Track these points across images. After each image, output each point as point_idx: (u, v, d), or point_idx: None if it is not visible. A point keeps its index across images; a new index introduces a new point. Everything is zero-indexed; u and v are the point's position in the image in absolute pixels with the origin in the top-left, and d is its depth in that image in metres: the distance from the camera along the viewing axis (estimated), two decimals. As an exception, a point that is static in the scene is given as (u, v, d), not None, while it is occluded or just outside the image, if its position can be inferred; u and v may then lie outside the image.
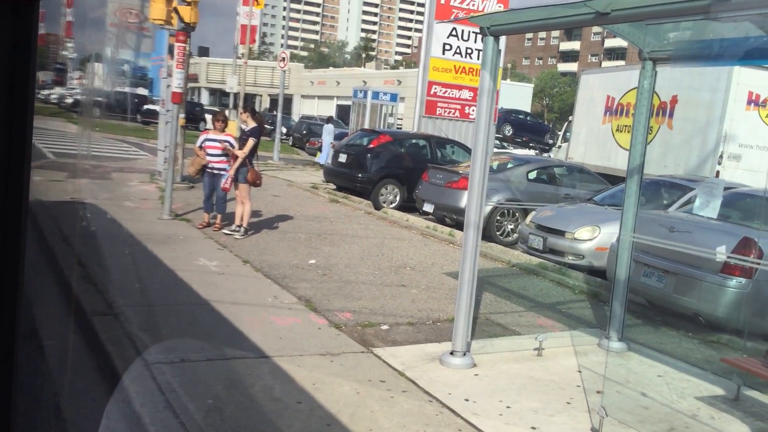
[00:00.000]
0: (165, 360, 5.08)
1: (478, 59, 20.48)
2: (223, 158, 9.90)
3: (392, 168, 13.56)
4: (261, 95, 67.51)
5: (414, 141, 14.61)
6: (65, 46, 64.13)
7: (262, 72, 66.76)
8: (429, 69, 19.77)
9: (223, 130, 10.02)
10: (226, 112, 11.72)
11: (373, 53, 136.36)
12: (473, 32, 20.28)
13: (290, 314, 6.54)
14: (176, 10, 12.52)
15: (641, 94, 6.03)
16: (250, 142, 9.56)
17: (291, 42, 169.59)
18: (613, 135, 18.42)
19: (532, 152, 32.98)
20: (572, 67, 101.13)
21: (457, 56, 20.14)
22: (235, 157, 9.67)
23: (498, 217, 11.39)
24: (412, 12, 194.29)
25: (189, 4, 12.09)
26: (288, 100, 64.22)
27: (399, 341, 6.09)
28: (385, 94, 19.15)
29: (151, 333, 5.68)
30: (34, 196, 11.61)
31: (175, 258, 8.18)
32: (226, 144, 9.86)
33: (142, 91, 42.90)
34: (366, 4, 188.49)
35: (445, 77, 20.04)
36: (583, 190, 11.78)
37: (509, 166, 12.04)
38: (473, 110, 20.71)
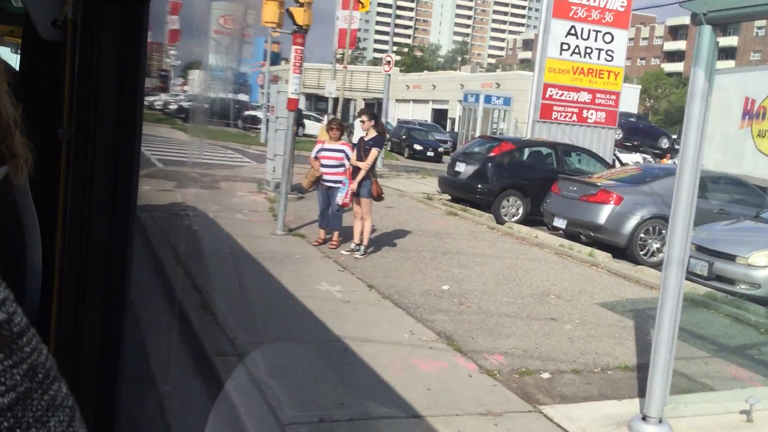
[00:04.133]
0: (301, 419, 4.26)
1: (598, 59, 19.10)
2: (340, 170, 9.13)
3: (515, 178, 12.47)
4: (355, 99, 67.43)
5: (537, 149, 13.46)
6: (168, 54, 66.21)
7: (357, 76, 66.56)
8: (545, 70, 18.52)
9: (338, 139, 9.25)
10: (339, 117, 10.89)
11: (467, 56, 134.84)
12: (594, 30, 18.92)
13: (433, 356, 5.62)
14: (289, 12, 11.91)
15: None
16: (374, 152, 8.74)
17: (383, 46, 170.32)
18: (754, 141, 16.64)
19: (644, 157, 31.08)
20: (678, 67, 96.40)
21: (576, 56, 18.79)
22: (352, 170, 8.88)
23: (642, 235, 10.13)
24: (506, 14, 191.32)
25: (302, 5, 11.46)
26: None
27: (568, 396, 5.07)
28: (497, 98, 18.03)
29: (281, 380, 4.89)
30: (143, 208, 11.23)
31: (296, 281, 7.44)
32: (343, 155, 9.09)
33: (243, 96, 43.47)
34: (459, 7, 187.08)
35: (562, 79, 18.73)
36: (739, 204, 10.37)
37: (654, 176, 10.74)
38: (591, 114, 19.34)
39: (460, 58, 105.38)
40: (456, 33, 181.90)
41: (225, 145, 28.09)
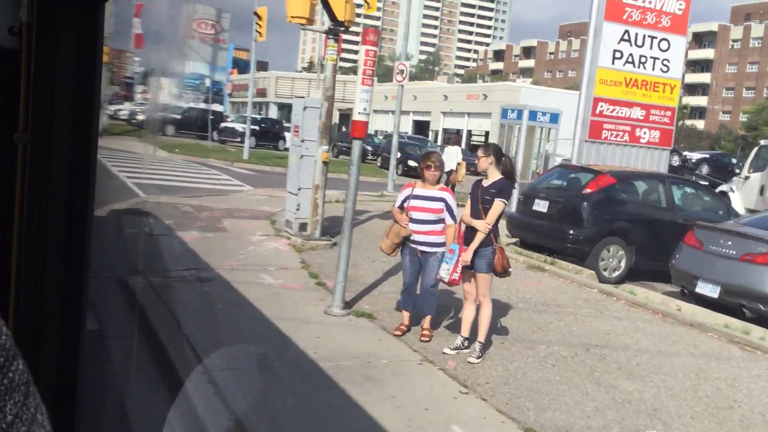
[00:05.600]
0: None
1: (653, 69, 16.49)
2: (437, 227, 6.24)
3: (617, 222, 9.63)
4: (330, 110, 63.94)
5: (640, 182, 10.59)
6: (133, 60, 62.21)
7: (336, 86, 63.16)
8: (595, 82, 15.84)
9: (437, 182, 6.34)
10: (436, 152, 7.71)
11: (439, 67, 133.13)
12: (649, 36, 16.35)
13: None
14: (326, 5, 9.00)
15: None
16: (498, 206, 5.84)
17: (352, 56, 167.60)
18: None
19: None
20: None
21: (629, 66, 16.15)
22: (464, 231, 6.00)
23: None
24: (471, 24, 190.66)
25: (346, -6, 8.62)
26: (359, 115, 60.96)
27: None
28: (543, 114, 15.27)
29: None
30: (135, 269, 8.18)
31: (410, 424, 4.51)
32: (442, 206, 6.19)
33: (218, 107, 40.11)
34: (426, 17, 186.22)
35: (613, 92, 16.08)
36: None
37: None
38: (644, 133, 16.68)
39: (437, 69, 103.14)
40: (423, 43, 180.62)
41: (203, 161, 24.94)
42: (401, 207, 6.36)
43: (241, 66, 72.80)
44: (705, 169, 32.43)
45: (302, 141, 10.15)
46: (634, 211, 9.89)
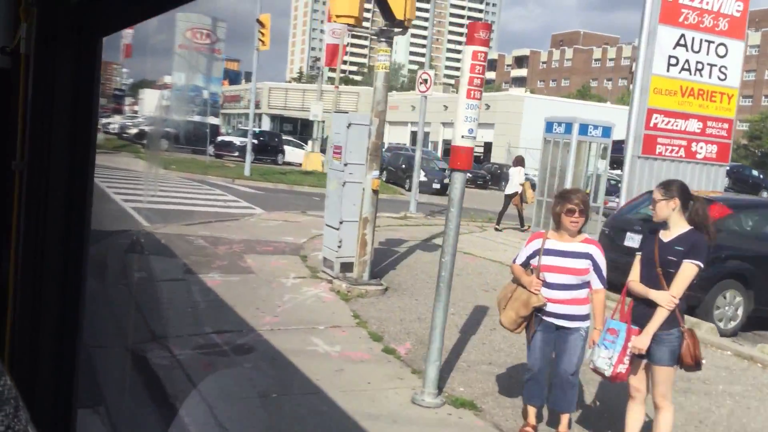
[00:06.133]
0: None
1: (710, 77, 14.93)
2: (581, 294, 4.53)
3: (734, 261, 7.94)
4: (324, 121, 62.95)
5: (757, 212, 8.85)
6: (122, 72, 60.21)
7: (328, 96, 62.12)
8: (649, 92, 14.22)
9: (579, 232, 4.62)
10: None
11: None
12: (706, 40, 14.77)
13: None
14: (383, 2, 7.29)
15: None
16: (690, 270, 4.14)
17: (346, 66, 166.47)
18: None
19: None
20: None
21: (685, 73, 14.58)
22: (632, 303, 4.29)
23: None
24: (461, 34, 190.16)
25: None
26: (354, 127, 59.27)
27: None
28: (595, 127, 13.64)
29: None
30: (146, 324, 6.41)
31: None
32: (588, 266, 4.49)
33: (214, 120, 38.26)
34: (415, 26, 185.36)
35: (668, 102, 14.48)
36: None
37: None
38: (701, 147, 15.10)
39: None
40: (412, 53, 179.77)
41: (203, 179, 23.14)
42: (525, 264, 4.65)
43: (231, 77, 70.87)
44: (726, 182, 30.89)
45: (345, 165, 8.42)
46: (752, 248, 8.21)
